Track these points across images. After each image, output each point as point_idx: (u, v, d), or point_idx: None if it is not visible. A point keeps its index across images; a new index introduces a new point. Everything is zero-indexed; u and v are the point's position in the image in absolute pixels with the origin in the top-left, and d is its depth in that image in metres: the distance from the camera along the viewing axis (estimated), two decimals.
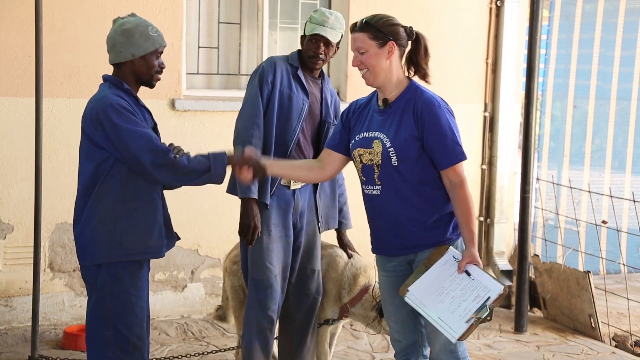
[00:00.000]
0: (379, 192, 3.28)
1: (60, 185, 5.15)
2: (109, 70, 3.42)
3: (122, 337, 3.24)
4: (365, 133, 3.31)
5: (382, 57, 3.24)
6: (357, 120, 3.39)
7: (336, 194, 4.29)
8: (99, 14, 5.17)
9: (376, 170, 3.26)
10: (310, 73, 4.10)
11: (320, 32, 3.95)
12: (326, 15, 3.99)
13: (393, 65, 3.27)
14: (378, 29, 3.24)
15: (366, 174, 3.31)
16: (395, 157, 3.19)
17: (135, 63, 3.27)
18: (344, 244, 4.38)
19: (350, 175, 4.55)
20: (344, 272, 4.28)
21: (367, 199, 3.36)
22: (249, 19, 5.87)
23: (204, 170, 3.23)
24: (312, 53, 4.00)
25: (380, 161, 3.23)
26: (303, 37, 4.08)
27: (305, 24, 4.08)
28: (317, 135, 4.15)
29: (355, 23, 3.30)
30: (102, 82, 3.36)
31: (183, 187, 3.52)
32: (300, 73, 4.04)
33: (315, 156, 4.13)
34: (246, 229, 3.93)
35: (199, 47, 5.77)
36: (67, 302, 5.34)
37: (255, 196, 3.91)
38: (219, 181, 3.28)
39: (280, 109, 3.97)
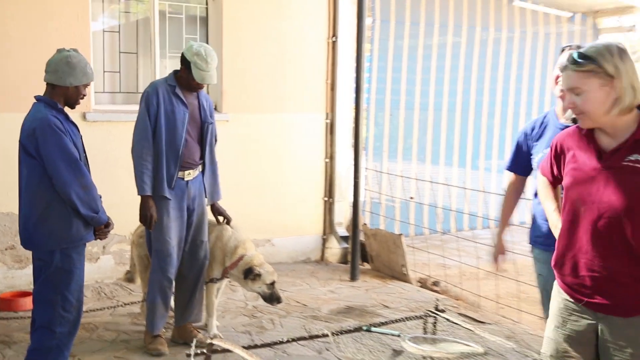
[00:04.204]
0: None
1: None
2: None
3: (66, 301, 3.23)
4: None
5: None
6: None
7: (217, 174, 4.25)
8: (21, 48, 5.04)
9: None
10: (187, 88, 4.01)
11: (209, 81, 3.90)
12: (207, 61, 3.85)
13: None
14: None
15: None
16: None
17: (69, 89, 3.24)
18: (216, 210, 4.31)
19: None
20: (228, 243, 4.28)
21: None
22: (144, 49, 5.80)
23: (95, 211, 3.21)
24: (197, 86, 3.97)
25: None
26: (185, 69, 3.92)
27: (188, 62, 3.87)
28: (201, 135, 4.10)
29: None
30: (34, 101, 3.25)
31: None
32: (177, 90, 3.96)
33: (202, 153, 4.09)
34: (144, 219, 3.95)
35: (104, 72, 5.67)
36: (0, 275, 5.16)
37: (150, 193, 3.91)
38: (94, 221, 3.23)
39: (167, 121, 3.93)
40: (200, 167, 4.17)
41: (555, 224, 2.42)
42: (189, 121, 4.00)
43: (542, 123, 3.06)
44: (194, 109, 4.06)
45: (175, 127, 3.95)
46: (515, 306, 4.99)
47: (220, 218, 4.36)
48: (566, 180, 2.28)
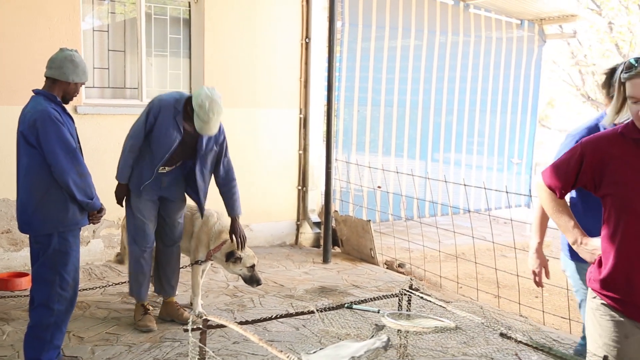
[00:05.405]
0: None
1: None
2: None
3: (63, 280, 3.22)
4: None
5: None
6: None
7: (204, 193, 4.13)
8: (15, 46, 4.93)
9: None
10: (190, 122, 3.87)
11: (206, 133, 3.80)
12: (209, 115, 3.72)
13: None
14: None
15: None
16: None
17: (70, 85, 3.22)
18: (235, 228, 4.15)
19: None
20: (213, 228, 4.27)
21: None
22: (131, 47, 5.73)
23: (90, 197, 3.19)
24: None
25: None
26: (191, 110, 3.79)
27: (192, 110, 3.77)
28: (192, 156, 4.00)
29: None
30: (33, 95, 3.19)
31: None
32: (179, 117, 3.85)
33: (184, 160, 3.99)
34: (117, 199, 4.05)
35: (94, 68, 5.58)
36: None
37: (126, 182, 3.98)
38: (89, 206, 3.21)
39: (157, 136, 3.89)
40: (177, 163, 4.07)
41: (586, 242, 2.17)
42: (178, 145, 3.90)
43: (597, 130, 2.68)
44: (190, 139, 3.93)
45: (162, 146, 3.89)
46: (473, 286, 5.09)
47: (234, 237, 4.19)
48: (627, 191, 2.01)
